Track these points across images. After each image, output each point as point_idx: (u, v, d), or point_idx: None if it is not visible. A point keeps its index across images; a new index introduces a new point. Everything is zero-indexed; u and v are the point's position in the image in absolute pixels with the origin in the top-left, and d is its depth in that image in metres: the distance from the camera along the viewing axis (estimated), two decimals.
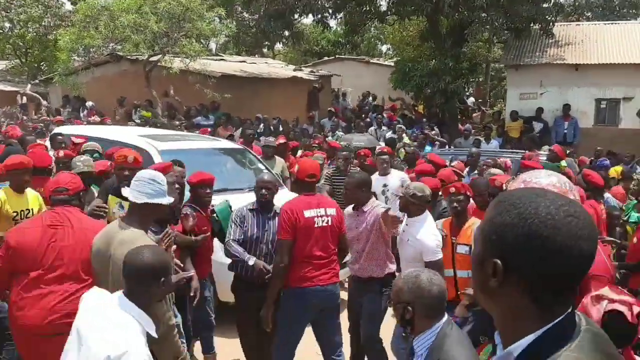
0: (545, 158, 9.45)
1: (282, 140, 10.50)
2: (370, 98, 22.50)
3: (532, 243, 1.25)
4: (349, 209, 5.27)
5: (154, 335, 2.84)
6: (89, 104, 17.58)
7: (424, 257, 4.79)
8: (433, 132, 14.64)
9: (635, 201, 7.08)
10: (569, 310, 1.31)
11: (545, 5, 17.00)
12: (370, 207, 5.01)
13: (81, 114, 17.40)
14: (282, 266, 4.74)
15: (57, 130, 9.79)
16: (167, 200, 3.80)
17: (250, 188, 6.88)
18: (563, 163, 8.57)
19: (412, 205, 5.00)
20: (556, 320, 1.28)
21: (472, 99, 23.95)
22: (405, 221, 5.11)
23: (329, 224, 4.93)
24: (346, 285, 6.60)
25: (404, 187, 5.54)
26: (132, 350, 2.60)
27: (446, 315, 2.84)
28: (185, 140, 8.49)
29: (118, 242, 3.50)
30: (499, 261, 1.29)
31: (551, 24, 16.85)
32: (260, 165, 8.51)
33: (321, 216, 4.90)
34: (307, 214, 4.85)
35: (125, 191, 3.79)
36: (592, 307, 3.26)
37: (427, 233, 4.88)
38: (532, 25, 16.88)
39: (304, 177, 5.00)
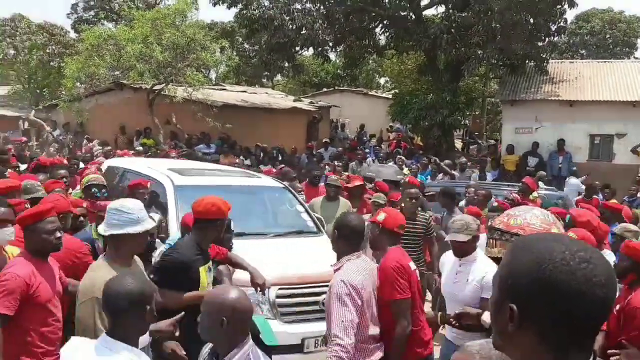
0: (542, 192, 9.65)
1: (358, 182, 8.89)
2: (366, 130, 22.82)
3: (546, 288, 1.25)
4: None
5: None
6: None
7: (484, 294, 4.10)
8: (446, 161, 14.72)
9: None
10: (590, 358, 1.29)
11: (539, 43, 17.46)
12: (337, 266, 3.93)
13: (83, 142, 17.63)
14: (408, 332, 3.96)
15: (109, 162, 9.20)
16: (140, 228, 3.57)
17: (279, 233, 6.63)
18: (535, 194, 8.79)
19: (464, 244, 4.40)
20: None
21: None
22: (459, 262, 4.48)
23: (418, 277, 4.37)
24: None
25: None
26: None
27: None
28: (214, 176, 7.51)
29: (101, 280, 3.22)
30: (514, 306, 1.28)
31: (546, 61, 17.29)
32: (300, 207, 7.41)
33: (416, 270, 4.34)
34: (413, 266, 4.27)
35: (100, 227, 3.72)
36: None
37: (486, 268, 4.24)
38: (527, 62, 17.30)
39: (394, 228, 4.27)
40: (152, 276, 3.94)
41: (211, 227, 4.20)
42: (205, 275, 4.16)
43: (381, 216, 4.38)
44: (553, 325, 1.26)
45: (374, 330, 3.88)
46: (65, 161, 8.86)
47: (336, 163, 14.00)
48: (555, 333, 1.26)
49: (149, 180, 6.71)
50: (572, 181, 13.96)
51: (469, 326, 4.05)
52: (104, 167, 8.39)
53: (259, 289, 4.68)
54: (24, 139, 15.65)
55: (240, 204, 6.73)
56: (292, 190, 7.83)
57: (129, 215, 3.57)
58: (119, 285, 2.65)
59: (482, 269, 4.28)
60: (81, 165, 10.03)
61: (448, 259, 4.65)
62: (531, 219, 3.45)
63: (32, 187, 5.95)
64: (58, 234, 3.77)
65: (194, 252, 4.13)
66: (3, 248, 3.84)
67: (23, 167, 9.33)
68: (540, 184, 11.55)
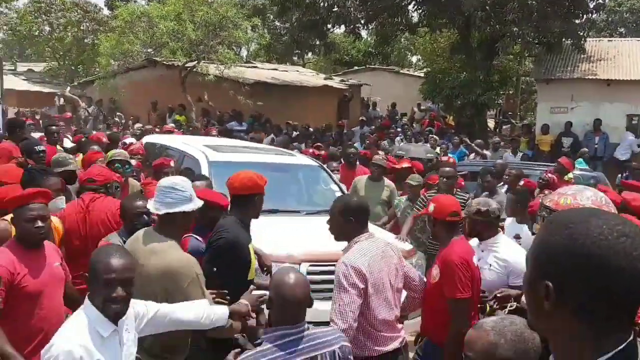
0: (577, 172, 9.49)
1: (406, 164, 8.50)
2: (397, 109, 22.68)
3: (583, 264, 1.21)
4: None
5: (103, 334, 2.70)
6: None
7: (512, 281, 4.00)
8: (477, 141, 14.56)
9: None
10: (631, 338, 1.25)
11: (577, 21, 17.03)
12: (346, 250, 3.74)
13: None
14: (463, 332, 3.72)
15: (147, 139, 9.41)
16: (192, 205, 3.55)
17: (312, 211, 6.56)
18: (570, 175, 8.63)
19: (480, 225, 4.28)
20: (618, 349, 1.22)
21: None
22: (479, 247, 4.33)
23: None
24: None
25: (467, 206, 4.70)
26: (57, 340, 2.65)
27: None
28: (248, 153, 7.59)
29: (148, 251, 3.38)
30: (550, 283, 1.25)
31: (583, 39, 16.87)
32: (334, 186, 7.33)
33: (478, 262, 4.10)
34: (475, 261, 4.01)
35: (149, 204, 3.63)
36: None
37: (513, 252, 4.13)
38: (563, 40, 16.91)
39: (446, 217, 4.03)
40: (206, 263, 3.78)
41: (250, 203, 4.03)
42: (253, 254, 4.09)
43: (431, 207, 4.15)
44: (591, 302, 1.22)
45: (389, 315, 3.67)
46: (104, 139, 9.01)
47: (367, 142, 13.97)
48: (593, 310, 1.22)
49: (172, 159, 6.82)
50: (629, 137, 13.62)
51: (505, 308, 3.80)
52: (145, 143, 8.55)
53: (265, 269, 4.64)
54: (69, 114, 15.88)
55: (274, 181, 6.72)
56: (327, 169, 7.77)
57: (182, 193, 3.51)
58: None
59: (504, 254, 4.18)
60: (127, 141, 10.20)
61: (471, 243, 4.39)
62: (582, 199, 3.32)
63: (64, 160, 6.03)
64: (39, 223, 3.60)
65: (241, 230, 3.98)
66: (49, 218, 3.79)
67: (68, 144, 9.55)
68: (582, 161, 11.37)
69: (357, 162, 9.29)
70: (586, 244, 1.22)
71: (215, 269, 3.76)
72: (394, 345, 3.69)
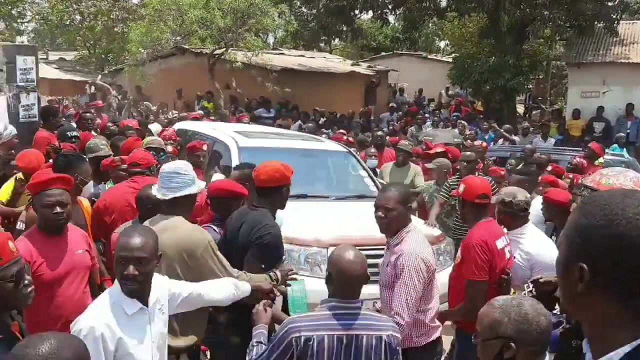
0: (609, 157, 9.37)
1: (439, 149, 8.31)
2: (424, 95, 22.52)
3: (619, 245, 1.19)
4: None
5: (128, 312, 2.76)
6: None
7: (535, 274, 3.88)
8: (506, 126, 14.41)
9: None
10: None
11: (609, 3, 16.67)
12: (399, 239, 3.63)
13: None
14: (473, 315, 3.58)
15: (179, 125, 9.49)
16: (196, 188, 3.62)
17: (341, 197, 6.63)
18: (600, 160, 8.51)
19: (505, 215, 4.23)
20: None
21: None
22: (506, 237, 4.24)
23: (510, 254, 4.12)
24: None
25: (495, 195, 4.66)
26: (83, 316, 2.74)
27: (547, 354, 2.37)
28: (278, 139, 7.67)
29: (159, 231, 3.37)
30: (585, 265, 1.23)
31: (616, 22, 16.52)
32: (363, 172, 7.36)
33: (506, 246, 4.05)
34: (499, 244, 3.96)
35: (153, 189, 3.67)
36: None
37: (537, 244, 4.06)
38: (595, 23, 16.58)
39: (474, 199, 4.03)
40: (254, 259, 3.77)
41: (278, 194, 3.97)
42: None
43: (461, 188, 4.15)
44: (627, 283, 1.19)
45: (436, 304, 3.70)
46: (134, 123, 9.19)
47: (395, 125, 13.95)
48: (629, 291, 1.20)
49: (205, 142, 6.96)
50: None
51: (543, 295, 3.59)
52: (177, 129, 8.66)
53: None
54: (100, 102, 16.12)
55: (303, 166, 6.79)
56: (356, 155, 7.78)
57: (186, 176, 3.57)
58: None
59: (528, 246, 4.10)
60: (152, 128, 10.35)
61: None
62: (624, 181, 3.34)
63: (95, 146, 6.14)
64: (58, 209, 3.59)
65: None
66: (68, 204, 3.74)
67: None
68: (616, 147, 11.23)
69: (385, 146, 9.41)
70: (622, 224, 1.20)
71: (263, 265, 3.76)
72: (436, 334, 3.70)
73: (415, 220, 5.79)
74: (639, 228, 1.19)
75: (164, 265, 3.33)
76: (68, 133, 7.14)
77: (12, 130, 7.07)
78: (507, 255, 4.02)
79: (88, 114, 9.37)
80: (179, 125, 9.11)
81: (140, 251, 2.73)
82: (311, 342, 2.76)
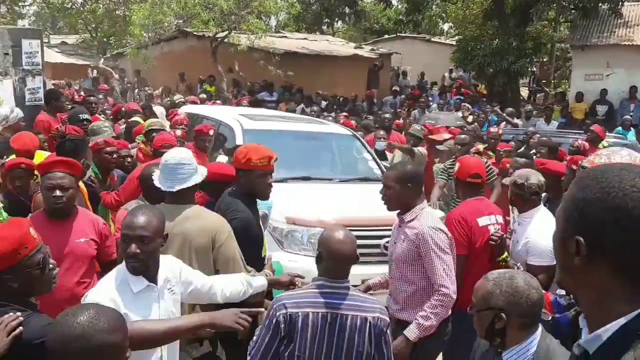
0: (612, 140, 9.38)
1: (447, 135, 8.36)
2: (427, 79, 22.45)
3: (616, 217, 1.19)
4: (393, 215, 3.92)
5: (134, 289, 2.79)
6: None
7: (529, 259, 4.02)
8: (508, 109, 14.40)
9: None
10: None
11: None
12: (412, 216, 3.70)
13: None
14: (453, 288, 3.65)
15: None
16: (200, 175, 3.65)
17: (345, 179, 6.72)
18: (605, 143, 8.51)
19: (516, 197, 4.24)
20: None
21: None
22: (516, 219, 4.40)
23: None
24: None
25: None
26: (90, 294, 2.80)
27: (540, 327, 2.42)
28: (282, 122, 7.71)
29: (181, 219, 3.43)
30: (581, 238, 1.23)
31: (620, 3, 16.43)
32: (367, 155, 7.41)
33: (494, 224, 4.20)
34: (481, 221, 4.15)
35: (156, 182, 3.64)
36: None
37: (539, 229, 4.02)
38: (600, 4, 16.49)
39: (466, 178, 4.27)
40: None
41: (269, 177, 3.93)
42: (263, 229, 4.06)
43: (456, 167, 4.39)
44: (626, 257, 1.19)
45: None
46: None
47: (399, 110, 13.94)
48: (626, 265, 1.20)
49: (212, 127, 7.04)
50: None
51: None
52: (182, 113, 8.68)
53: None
54: (105, 86, 16.11)
55: (307, 149, 7.11)
56: (360, 138, 7.82)
57: (190, 166, 3.59)
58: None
59: (529, 231, 4.12)
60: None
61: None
62: (616, 159, 3.32)
63: (99, 129, 6.19)
64: (57, 192, 3.57)
65: (251, 208, 3.88)
66: (71, 188, 3.70)
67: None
68: (620, 129, 11.23)
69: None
70: (618, 196, 1.19)
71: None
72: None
73: None
74: (635, 200, 1.18)
75: (192, 251, 3.42)
76: (80, 116, 7.12)
77: (18, 113, 7.07)
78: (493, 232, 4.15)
79: (92, 98, 9.37)
80: (185, 109, 9.17)
81: (142, 230, 2.77)
82: (296, 318, 2.82)
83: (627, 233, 1.18)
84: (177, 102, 11.80)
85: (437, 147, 7.77)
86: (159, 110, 10.61)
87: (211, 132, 6.88)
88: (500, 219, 4.27)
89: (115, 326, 1.90)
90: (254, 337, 2.98)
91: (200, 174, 3.65)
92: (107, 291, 2.77)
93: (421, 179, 3.88)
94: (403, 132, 10.05)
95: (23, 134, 5.76)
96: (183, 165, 3.56)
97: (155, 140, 5.93)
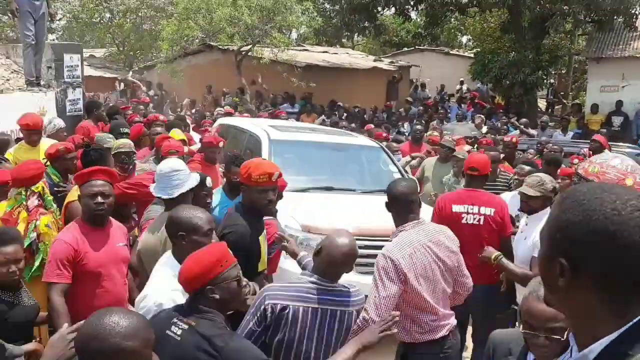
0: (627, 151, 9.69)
1: (466, 147, 8.43)
2: (446, 91, 22.79)
3: (598, 240, 1.20)
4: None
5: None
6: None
7: (535, 253, 4.06)
8: (523, 120, 14.70)
9: None
10: None
11: None
12: (393, 236, 3.68)
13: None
14: None
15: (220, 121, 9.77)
16: (194, 180, 3.89)
17: (368, 190, 6.73)
18: (607, 152, 8.74)
19: (532, 199, 4.36)
20: (635, 321, 1.21)
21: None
22: (525, 220, 4.54)
23: (481, 223, 4.62)
24: None
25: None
26: (151, 292, 2.92)
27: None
28: (309, 133, 7.84)
29: None
30: (564, 260, 1.25)
31: (635, 17, 16.72)
32: (393, 167, 7.43)
33: (472, 213, 4.60)
34: (456, 208, 4.64)
35: (155, 193, 3.87)
36: None
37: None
38: (615, 18, 16.79)
39: (466, 170, 4.88)
40: None
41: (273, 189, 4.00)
42: (264, 246, 3.97)
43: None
44: (608, 278, 1.21)
45: (437, 303, 3.59)
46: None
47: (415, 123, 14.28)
48: (610, 286, 1.22)
49: (221, 139, 7.02)
50: None
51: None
52: (217, 124, 9.07)
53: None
54: (147, 99, 16.60)
55: (332, 160, 7.26)
56: (387, 151, 7.89)
57: (183, 172, 3.89)
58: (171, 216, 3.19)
59: (538, 230, 4.05)
60: None
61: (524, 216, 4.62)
62: (607, 168, 3.46)
63: (102, 139, 6.39)
64: (99, 199, 3.68)
65: (252, 222, 3.81)
66: (111, 196, 3.83)
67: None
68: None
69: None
70: (600, 219, 1.21)
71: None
72: (442, 333, 3.64)
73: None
74: (617, 223, 1.20)
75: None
76: (121, 129, 7.40)
77: (57, 124, 7.37)
78: (468, 221, 4.62)
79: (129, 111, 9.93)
80: (221, 121, 9.48)
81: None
82: (287, 311, 2.88)
83: (608, 256, 1.20)
84: (215, 115, 12.15)
85: (457, 155, 7.59)
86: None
87: (221, 144, 6.70)
88: (486, 210, 4.64)
89: (133, 332, 1.85)
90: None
91: (194, 178, 3.93)
92: (167, 290, 2.89)
93: (406, 199, 3.67)
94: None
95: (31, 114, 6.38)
96: (177, 171, 3.86)
97: (163, 147, 5.92)
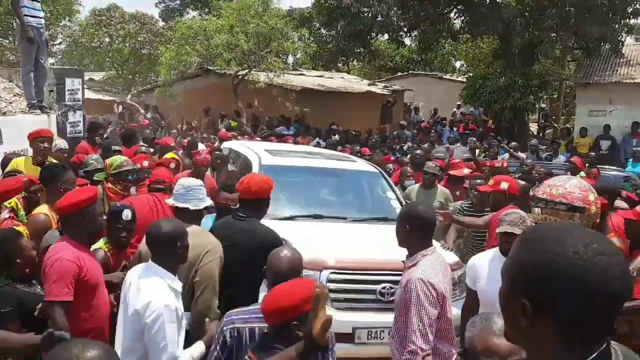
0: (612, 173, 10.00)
1: (467, 170, 8.25)
2: (439, 115, 23.19)
3: (559, 283, 1.21)
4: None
5: (179, 289, 3.23)
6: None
7: None
8: (512, 143, 14.97)
9: None
10: (603, 346, 1.27)
11: (615, 25, 17.34)
12: (412, 262, 3.57)
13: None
14: None
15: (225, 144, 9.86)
16: (209, 200, 4.28)
17: (360, 218, 6.36)
18: (582, 174, 8.79)
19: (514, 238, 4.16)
20: (592, 357, 1.25)
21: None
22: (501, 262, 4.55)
23: None
24: None
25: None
26: (154, 298, 3.06)
27: None
28: (305, 158, 7.50)
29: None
30: (526, 302, 1.26)
31: (621, 43, 17.20)
32: (391, 194, 7.06)
33: None
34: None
35: (181, 204, 4.09)
36: None
37: None
38: (602, 44, 17.26)
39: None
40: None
41: (266, 205, 4.37)
42: None
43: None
44: (568, 319, 1.23)
45: (451, 331, 3.59)
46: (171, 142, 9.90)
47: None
48: (571, 326, 1.24)
49: (209, 159, 7.63)
50: None
51: None
52: (223, 148, 9.24)
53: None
54: (147, 122, 16.91)
55: (324, 186, 6.94)
56: (386, 176, 7.57)
57: (204, 189, 4.24)
58: (156, 228, 3.40)
59: None
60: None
61: (484, 261, 4.29)
62: (570, 187, 3.62)
63: (86, 162, 6.47)
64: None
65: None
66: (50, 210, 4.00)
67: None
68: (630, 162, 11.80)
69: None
70: (562, 262, 1.22)
71: None
72: (454, 357, 3.55)
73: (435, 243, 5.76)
74: (579, 267, 1.21)
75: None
76: (112, 147, 7.73)
77: (58, 144, 7.34)
78: None
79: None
80: (226, 144, 9.61)
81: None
82: (243, 334, 2.93)
83: (570, 298, 1.22)
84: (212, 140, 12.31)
85: (474, 182, 7.04)
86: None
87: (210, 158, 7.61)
88: None
89: None
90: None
91: (208, 199, 4.28)
92: (166, 292, 3.14)
93: (426, 222, 3.61)
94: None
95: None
96: (201, 186, 4.22)
97: (151, 176, 5.87)
